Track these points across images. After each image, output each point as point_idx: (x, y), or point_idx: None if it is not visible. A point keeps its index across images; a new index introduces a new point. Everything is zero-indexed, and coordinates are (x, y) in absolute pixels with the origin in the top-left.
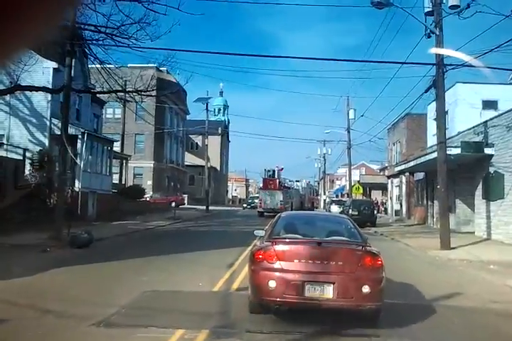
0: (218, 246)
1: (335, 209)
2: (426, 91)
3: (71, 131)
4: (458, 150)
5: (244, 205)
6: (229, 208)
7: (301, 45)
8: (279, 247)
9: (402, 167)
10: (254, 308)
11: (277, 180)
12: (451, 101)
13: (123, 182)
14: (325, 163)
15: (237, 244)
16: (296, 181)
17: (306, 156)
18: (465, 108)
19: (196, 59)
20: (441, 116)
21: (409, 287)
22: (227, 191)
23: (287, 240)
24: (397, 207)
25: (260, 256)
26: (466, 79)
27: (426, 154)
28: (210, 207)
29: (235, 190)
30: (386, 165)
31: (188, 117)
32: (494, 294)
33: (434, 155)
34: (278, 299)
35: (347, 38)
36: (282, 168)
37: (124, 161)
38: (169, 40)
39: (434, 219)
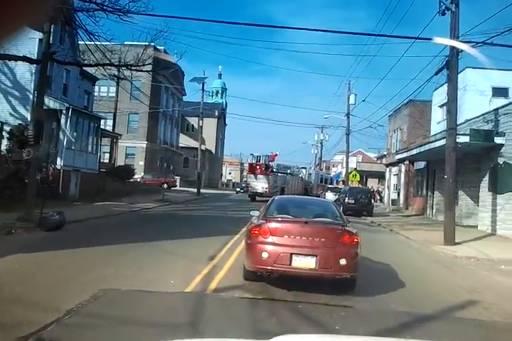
0: (203, 234)
1: (330, 196)
2: (436, 73)
3: (55, 105)
4: (466, 139)
5: (238, 189)
6: (222, 192)
7: (304, 32)
8: (272, 225)
9: (404, 155)
10: (249, 276)
11: (263, 165)
12: (459, 87)
13: (113, 162)
14: (321, 149)
15: (224, 231)
16: (302, 168)
17: (302, 142)
18: (474, 95)
19: (193, 42)
20: (453, 99)
21: (418, 291)
22: (221, 174)
23: (279, 219)
24: (394, 196)
25: (256, 232)
26: (476, 65)
27: (430, 142)
28: (203, 191)
29: (230, 173)
30: (385, 153)
31: (184, 98)
32: None
33: (440, 143)
34: (269, 267)
35: (350, 25)
36: (277, 154)
37: (115, 140)
38: (169, 34)
39: (434, 211)
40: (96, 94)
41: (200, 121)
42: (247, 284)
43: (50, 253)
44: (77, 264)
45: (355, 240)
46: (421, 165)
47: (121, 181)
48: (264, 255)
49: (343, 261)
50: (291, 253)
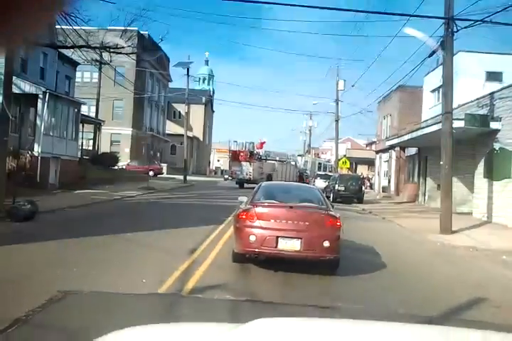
0: (185, 224)
1: (320, 183)
2: (430, 55)
3: (30, 89)
4: (461, 124)
5: (226, 176)
6: (209, 179)
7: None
8: (259, 209)
9: (395, 141)
10: (237, 258)
11: (247, 152)
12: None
13: (97, 149)
14: (310, 136)
15: (208, 221)
16: (299, 155)
17: (291, 129)
18: (467, 79)
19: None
20: (449, 82)
21: (420, 289)
22: (209, 162)
23: (265, 204)
24: (384, 183)
25: (243, 216)
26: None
27: (422, 128)
28: (190, 178)
29: (218, 160)
30: (375, 139)
31: (170, 85)
32: None
33: (433, 128)
34: (256, 250)
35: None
36: (264, 142)
37: (98, 127)
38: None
39: (426, 197)
40: (79, 80)
41: (186, 107)
42: (228, 283)
43: (13, 247)
44: (36, 261)
45: (338, 223)
46: (412, 151)
47: (105, 168)
48: (252, 238)
49: (326, 243)
50: (277, 236)
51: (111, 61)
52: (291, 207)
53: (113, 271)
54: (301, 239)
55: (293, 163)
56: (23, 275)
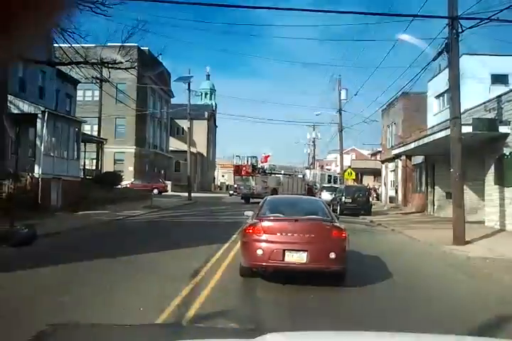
0: (188, 244)
1: (326, 196)
2: (434, 59)
3: (29, 109)
4: (469, 129)
5: (231, 192)
6: (214, 195)
7: (290, 30)
8: (265, 223)
9: (401, 150)
10: (244, 272)
11: (249, 166)
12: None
13: (100, 168)
14: (314, 148)
15: (213, 239)
16: (307, 168)
17: (295, 141)
18: (472, 83)
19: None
20: (455, 86)
21: (442, 306)
22: (214, 177)
23: (271, 218)
24: (391, 193)
25: (250, 231)
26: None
27: (428, 135)
28: (195, 195)
29: (223, 176)
30: (380, 149)
31: (173, 101)
32: None
33: (440, 134)
34: (264, 263)
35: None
36: (269, 155)
37: (100, 145)
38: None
39: (435, 207)
40: (81, 98)
41: (188, 122)
42: (233, 309)
43: (7, 275)
44: (28, 289)
45: (343, 235)
46: (419, 159)
47: (108, 188)
48: (259, 252)
49: (332, 255)
50: (284, 250)
51: (110, 77)
52: (296, 220)
53: (109, 298)
54: (307, 251)
55: (300, 175)
56: (11, 307)
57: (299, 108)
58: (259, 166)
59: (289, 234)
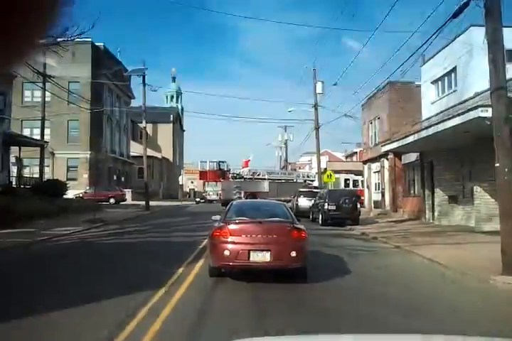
0: (104, 291)
1: (304, 202)
2: (455, 16)
3: None
4: (489, 113)
5: (197, 199)
6: (179, 203)
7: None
8: (231, 226)
9: (393, 145)
10: (213, 272)
11: (216, 172)
12: (462, 52)
13: (41, 176)
14: (286, 150)
15: (147, 279)
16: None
17: (266, 143)
18: (483, 61)
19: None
20: (497, 40)
21: None
22: (180, 184)
23: (237, 221)
24: (376, 197)
25: (217, 234)
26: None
27: (434, 124)
28: (156, 203)
29: (192, 182)
30: (356, 150)
31: (134, 103)
32: None
33: (454, 121)
34: (231, 263)
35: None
36: (249, 160)
37: (42, 149)
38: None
39: (436, 214)
40: (28, 99)
41: (144, 122)
42: None
43: None
44: None
45: (303, 235)
46: (411, 158)
47: (49, 199)
48: (226, 253)
49: (293, 254)
50: (249, 250)
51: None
52: (260, 223)
53: None
54: (270, 251)
55: (301, 180)
56: None
57: (270, 106)
58: (238, 171)
59: (253, 236)
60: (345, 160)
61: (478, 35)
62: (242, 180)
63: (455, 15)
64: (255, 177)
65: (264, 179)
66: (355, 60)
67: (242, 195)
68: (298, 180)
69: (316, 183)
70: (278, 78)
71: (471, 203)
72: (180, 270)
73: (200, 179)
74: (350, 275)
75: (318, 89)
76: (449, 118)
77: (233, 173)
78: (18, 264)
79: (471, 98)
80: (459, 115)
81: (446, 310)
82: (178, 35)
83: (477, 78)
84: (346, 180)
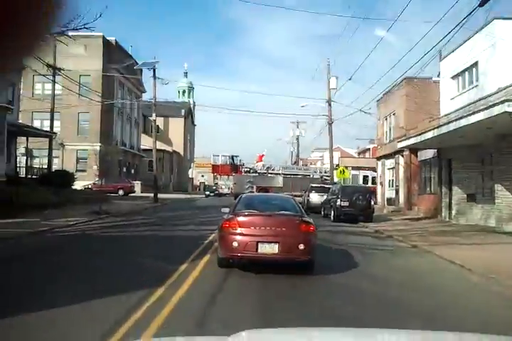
0: (97, 290)
1: (315, 198)
2: (482, 4)
3: None
4: None
5: (207, 193)
6: (189, 196)
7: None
8: (240, 218)
9: (411, 141)
10: (222, 263)
11: (228, 166)
12: (485, 46)
13: (49, 167)
14: (298, 146)
15: (145, 277)
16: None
17: (277, 138)
18: (506, 55)
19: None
20: None
21: None
22: (190, 177)
23: (246, 213)
24: (390, 194)
25: (227, 225)
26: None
27: (458, 118)
28: (166, 196)
29: (202, 176)
30: (369, 146)
31: (146, 97)
32: None
33: (479, 116)
34: (239, 254)
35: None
36: (263, 155)
37: (51, 140)
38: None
39: (453, 212)
40: (39, 92)
41: (153, 115)
42: None
43: None
44: None
45: (311, 228)
46: (428, 154)
47: (56, 189)
48: (235, 244)
49: (301, 246)
50: (257, 242)
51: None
52: (269, 215)
53: None
54: (278, 243)
55: (317, 175)
56: None
57: (284, 102)
58: (252, 166)
59: (262, 228)
60: (357, 156)
61: (502, 28)
62: (256, 174)
63: (482, 3)
64: (269, 171)
65: (279, 174)
66: (374, 56)
67: (255, 190)
68: (315, 176)
69: (335, 179)
70: (292, 74)
71: (491, 202)
72: (183, 266)
73: (212, 172)
74: (363, 277)
75: (332, 85)
76: (473, 113)
77: (247, 168)
78: (18, 255)
79: (493, 93)
80: (483, 110)
81: (476, 323)
82: (193, 31)
83: (500, 73)
84: (365, 177)
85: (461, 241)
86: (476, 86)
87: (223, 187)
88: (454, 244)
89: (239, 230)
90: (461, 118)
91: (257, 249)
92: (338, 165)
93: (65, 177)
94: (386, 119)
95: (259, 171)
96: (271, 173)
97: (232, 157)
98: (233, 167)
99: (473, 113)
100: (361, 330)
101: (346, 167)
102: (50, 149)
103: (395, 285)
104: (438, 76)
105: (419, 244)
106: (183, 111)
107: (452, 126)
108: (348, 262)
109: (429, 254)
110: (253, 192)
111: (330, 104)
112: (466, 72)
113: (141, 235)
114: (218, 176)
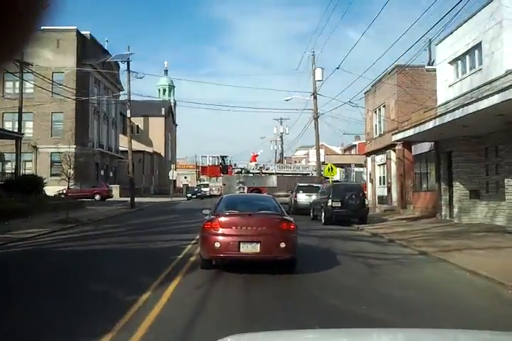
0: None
1: (303, 199)
2: None
3: None
4: None
5: (189, 195)
6: (170, 199)
7: (253, 31)
8: (222, 219)
9: (408, 133)
10: (205, 264)
11: (218, 167)
12: (490, 25)
13: (16, 171)
14: (282, 144)
15: (97, 316)
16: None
17: (260, 136)
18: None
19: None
20: None
21: None
22: (172, 179)
23: (227, 213)
24: (381, 192)
25: (208, 226)
26: None
27: (464, 105)
28: (145, 200)
29: (185, 177)
30: (355, 142)
31: (124, 97)
32: None
33: (488, 102)
34: (221, 255)
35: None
36: (257, 154)
37: (18, 142)
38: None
39: (455, 210)
40: (10, 91)
41: (128, 111)
42: None
43: None
44: None
45: (292, 227)
46: (424, 148)
47: (22, 196)
48: (217, 245)
49: (282, 245)
50: (239, 241)
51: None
52: (249, 215)
53: None
54: (260, 242)
55: (316, 174)
56: None
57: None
58: (242, 166)
59: (243, 228)
60: (343, 153)
61: (510, 3)
62: (248, 174)
63: None
64: (263, 171)
65: (273, 173)
66: (360, 49)
67: (246, 191)
68: (314, 175)
69: (338, 177)
70: (277, 73)
71: (498, 199)
72: (144, 297)
73: (202, 174)
74: (375, 301)
75: (318, 76)
76: (485, 97)
77: (238, 168)
78: None
79: (501, 76)
80: (497, 92)
81: None
82: (172, 30)
83: (508, 54)
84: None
85: (474, 244)
86: (480, 70)
87: (213, 188)
88: (468, 249)
89: (220, 231)
90: (467, 104)
91: (239, 249)
92: (324, 163)
93: (33, 183)
94: (375, 112)
95: (252, 171)
96: (264, 173)
97: (223, 157)
98: (223, 168)
99: (485, 97)
100: (356, 330)
101: (334, 164)
102: (18, 152)
103: (427, 316)
104: (429, 64)
105: (428, 250)
106: (163, 110)
107: (458, 114)
108: (354, 281)
109: (444, 264)
110: (244, 193)
111: (315, 97)
112: (467, 56)
113: (105, 249)
114: (208, 178)
